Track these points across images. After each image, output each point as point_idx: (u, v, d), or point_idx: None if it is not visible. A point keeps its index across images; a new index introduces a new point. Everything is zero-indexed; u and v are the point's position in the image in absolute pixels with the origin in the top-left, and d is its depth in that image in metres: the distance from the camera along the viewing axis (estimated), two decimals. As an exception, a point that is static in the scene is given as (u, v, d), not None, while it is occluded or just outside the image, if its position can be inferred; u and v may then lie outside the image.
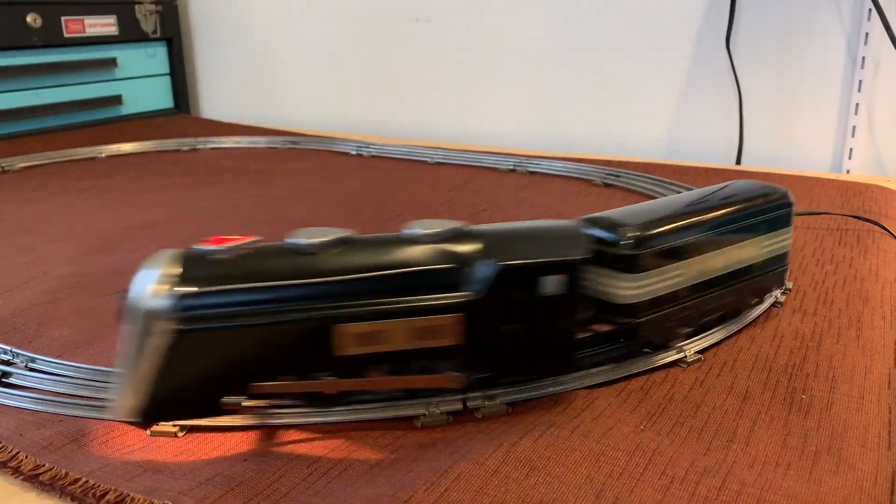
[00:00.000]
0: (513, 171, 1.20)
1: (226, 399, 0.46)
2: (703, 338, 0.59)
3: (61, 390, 0.53)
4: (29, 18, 1.45)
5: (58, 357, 0.57)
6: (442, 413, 0.50)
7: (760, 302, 0.65)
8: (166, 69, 1.74)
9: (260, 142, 1.44)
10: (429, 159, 1.28)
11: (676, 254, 0.53)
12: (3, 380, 0.55)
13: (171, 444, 0.47)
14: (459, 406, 0.50)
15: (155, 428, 0.48)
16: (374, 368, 0.46)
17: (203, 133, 1.53)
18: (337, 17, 1.60)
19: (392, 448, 0.46)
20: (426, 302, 0.45)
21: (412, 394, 0.50)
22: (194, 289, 0.43)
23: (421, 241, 0.47)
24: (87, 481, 0.43)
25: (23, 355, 0.57)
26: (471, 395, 0.51)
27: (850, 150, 1.22)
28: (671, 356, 0.56)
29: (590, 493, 0.41)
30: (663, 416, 0.49)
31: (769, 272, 0.61)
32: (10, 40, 1.43)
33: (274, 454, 0.45)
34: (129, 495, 0.41)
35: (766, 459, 0.45)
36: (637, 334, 0.54)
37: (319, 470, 0.44)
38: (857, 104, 1.20)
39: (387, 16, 1.55)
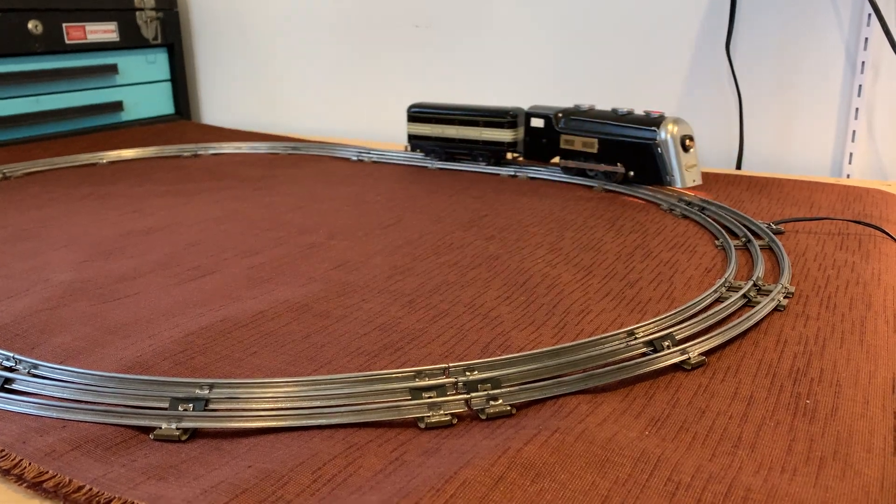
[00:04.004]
0: (514, 176, 1.20)
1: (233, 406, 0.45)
2: (706, 339, 0.59)
3: (64, 396, 0.53)
4: (30, 25, 1.46)
5: (60, 363, 0.57)
6: (446, 415, 0.50)
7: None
8: (167, 75, 1.74)
9: (261, 148, 1.44)
10: (429, 165, 1.28)
11: None
12: (6, 386, 0.54)
13: (174, 450, 0.47)
14: (463, 408, 0.50)
15: (158, 432, 0.48)
16: None
17: (204, 139, 1.53)
18: (337, 23, 1.61)
19: (397, 453, 0.46)
20: None
21: None
22: None
23: None
24: (90, 489, 0.43)
25: (25, 362, 0.57)
26: (474, 395, 0.51)
27: (851, 154, 1.22)
28: (675, 357, 0.56)
29: (595, 499, 0.41)
30: (668, 422, 0.49)
31: None
32: (11, 47, 1.43)
33: (278, 460, 0.45)
34: (133, 503, 0.41)
35: (772, 465, 0.45)
36: None
37: (324, 476, 0.44)
38: (857, 109, 1.20)
39: (387, 22, 1.55)
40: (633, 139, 1.05)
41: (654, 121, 1.04)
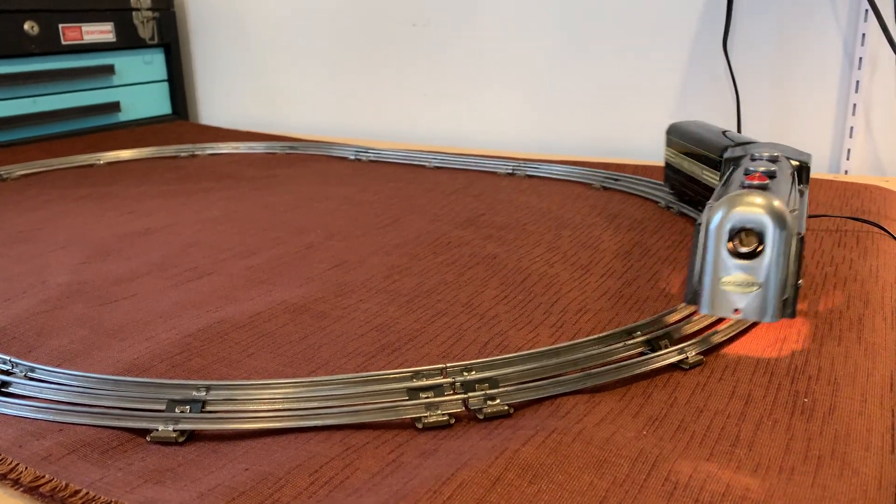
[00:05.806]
0: (511, 174, 1.19)
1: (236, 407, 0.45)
2: (703, 339, 0.59)
3: (61, 399, 0.53)
4: (26, 26, 1.45)
5: (57, 366, 0.57)
6: (443, 415, 0.49)
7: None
8: (164, 76, 1.74)
9: (258, 147, 1.44)
10: (427, 164, 1.28)
11: None
12: (3, 389, 0.54)
13: (171, 453, 0.47)
14: (461, 408, 0.50)
15: (155, 434, 0.48)
16: None
17: (201, 139, 1.53)
18: (334, 22, 1.60)
19: (394, 455, 0.46)
20: None
21: None
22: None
23: None
24: (87, 493, 0.43)
25: (22, 365, 0.56)
26: (472, 395, 0.50)
27: (848, 150, 1.22)
28: (673, 357, 0.56)
29: (593, 500, 0.41)
30: (666, 421, 0.49)
31: None
32: (7, 48, 1.43)
33: (275, 462, 0.45)
34: (129, 506, 0.41)
35: (770, 464, 0.45)
36: None
37: (321, 479, 0.44)
38: (855, 105, 1.20)
39: (384, 20, 1.55)
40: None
41: (720, 192, 0.58)
